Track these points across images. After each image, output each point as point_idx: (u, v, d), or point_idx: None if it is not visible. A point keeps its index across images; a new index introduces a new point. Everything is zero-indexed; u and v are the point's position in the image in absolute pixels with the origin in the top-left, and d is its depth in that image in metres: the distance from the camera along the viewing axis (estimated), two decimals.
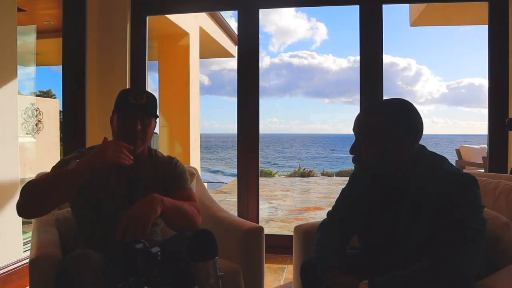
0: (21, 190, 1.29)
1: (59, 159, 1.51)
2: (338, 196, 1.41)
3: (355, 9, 2.93)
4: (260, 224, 2.23)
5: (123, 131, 1.41)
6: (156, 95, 1.51)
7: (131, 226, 1.22)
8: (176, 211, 1.36)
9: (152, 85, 6.24)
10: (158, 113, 1.51)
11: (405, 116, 1.17)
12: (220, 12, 6.10)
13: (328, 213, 1.41)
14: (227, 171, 22.46)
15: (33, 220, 1.73)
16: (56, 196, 1.29)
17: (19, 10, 2.67)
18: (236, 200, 3.14)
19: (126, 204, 1.39)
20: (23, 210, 1.29)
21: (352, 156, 1.23)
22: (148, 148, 1.55)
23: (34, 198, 1.28)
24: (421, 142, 1.23)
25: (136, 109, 1.40)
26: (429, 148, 1.24)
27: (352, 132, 1.23)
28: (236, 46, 3.17)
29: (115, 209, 1.39)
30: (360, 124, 1.21)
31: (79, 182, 1.28)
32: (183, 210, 1.38)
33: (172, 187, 1.51)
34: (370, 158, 1.18)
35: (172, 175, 1.54)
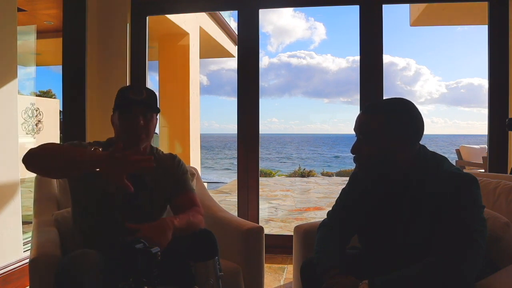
0: (36, 147, 1.28)
1: None
2: (338, 196, 1.41)
3: (354, 9, 2.94)
4: (260, 224, 2.23)
5: (126, 128, 1.40)
6: (156, 95, 1.51)
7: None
8: (185, 228, 1.36)
9: (152, 85, 6.23)
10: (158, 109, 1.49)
11: (406, 115, 1.17)
12: (220, 12, 6.10)
13: (328, 213, 1.41)
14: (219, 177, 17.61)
15: (33, 220, 1.73)
16: (61, 164, 1.25)
17: (19, 10, 2.67)
18: (236, 200, 3.15)
19: (127, 201, 1.40)
20: (32, 157, 1.26)
21: (353, 155, 1.23)
22: (149, 146, 1.55)
23: (48, 152, 1.26)
24: (421, 142, 1.23)
25: (137, 104, 1.40)
26: (429, 148, 1.24)
27: (353, 132, 1.23)
28: (236, 46, 3.17)
29: (115, 206, 1.40)
30: (361, 123, 1.21)
31: (83, 169, 1.25)
32: (190, 223, 1.38)
33: (175, 190, 1.52)
34: (371, 157, 1.18)
35: (175, 177, 1.54)
